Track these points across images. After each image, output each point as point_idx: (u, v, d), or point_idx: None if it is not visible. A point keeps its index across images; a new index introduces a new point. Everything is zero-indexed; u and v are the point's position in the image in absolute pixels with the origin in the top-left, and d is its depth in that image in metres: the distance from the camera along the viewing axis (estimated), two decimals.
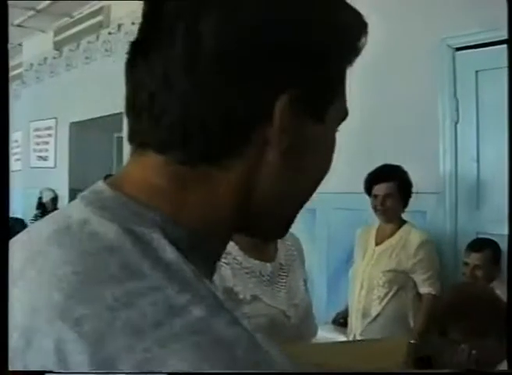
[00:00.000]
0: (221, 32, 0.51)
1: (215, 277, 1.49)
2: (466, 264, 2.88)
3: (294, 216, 0.62)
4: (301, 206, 0.61)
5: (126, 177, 0.56)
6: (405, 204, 3.04)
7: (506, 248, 2.62)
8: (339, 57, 0.57)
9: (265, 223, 0.59)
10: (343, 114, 0.60)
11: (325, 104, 0.56)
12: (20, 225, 2.51)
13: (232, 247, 1.50)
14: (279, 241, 1.63)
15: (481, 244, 2.90)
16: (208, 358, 0.42)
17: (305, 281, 1.66)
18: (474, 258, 2.85)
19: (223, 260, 1.47)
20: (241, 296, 1.46)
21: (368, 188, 3.07)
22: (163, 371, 0.41)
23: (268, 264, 1.56)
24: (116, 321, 0.43)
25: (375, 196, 3.03)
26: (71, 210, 0.54)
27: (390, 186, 2.99)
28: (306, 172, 0.57)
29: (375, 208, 3.05)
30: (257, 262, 1.53)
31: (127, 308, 0.44)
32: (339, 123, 0.60)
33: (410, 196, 3.02)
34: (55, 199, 6.07)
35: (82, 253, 0.48)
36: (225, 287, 1.44)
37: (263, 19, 0.52)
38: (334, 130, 0.60)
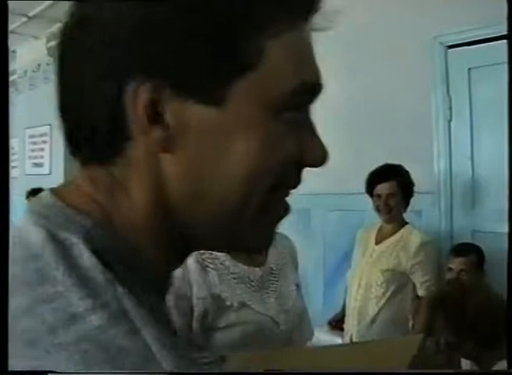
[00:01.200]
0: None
1: (203, 282, 1.47)
2: (450, 269, 2.85)
3: (253, 223, 0.53)
4: (252, 208, 0.52)
5: (69, 183, 0.56)
6: (406, 204, 3.03)
7: (507, 246, 2.60)
8: (219, 31, 0.49)
9: (212, 233, 0.54)
10: (286, 90, 0.50)
11: (211, 86, 0.49)
12: None
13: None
14: None
15: (465, 249, 2.87)
16: (92, 367, 0.41)
17: (298, 286, 1.62)
18: (460, 263, 2.82)
19: (210, 265, 1.45)
20: (228, 303, 1.43)
21: (370, 188, 3.04)
22: (162, 371, 0.42)
23: (258, 269, 1.53)
24: (16, 329, 0.43)
25: (378, 196, 2.99)
26: (19, 219, 0.54)
27: (392, 185, 2.96)
28: (218, 163, 0.50)
29: (377, 208, 3.03)
30: (245, 267, 1.50)
31: (28, 315, 0.44)
32: (285, 103, 0.51)
33: (411, 196, 3.01)
34: None
35: (12, 261, 0.48)
36: (212, 293, 1.42)
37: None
38: (267, 112, 0.50)
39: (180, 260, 0.58)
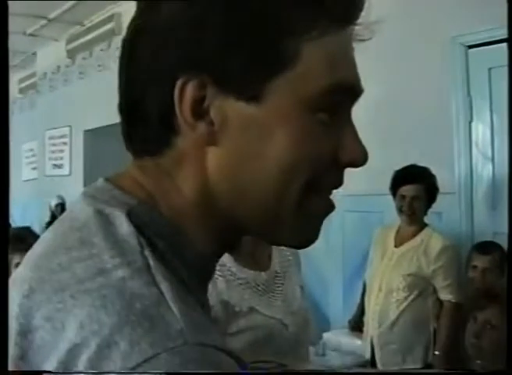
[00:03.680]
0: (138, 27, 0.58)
1: (211, 290, 1.50)
2: (474, 267, 2.83)
3: (290, 214, 0.56)
4: (290, 201, 0.55)
5: (122, 171, 0.61)
6: (428, 207, 3.01)
7: (507, 246, 2.60)
8: (260, 33, 0.52)
9: (253, 222, 0.57)
10: (319, 89, 0.53)
11: (251, 83, 0.53)
12: (29, 233, 2.51)
13: (226, 258, 1.48)
14: (273, 246, 1.61)
15: (490, 247, 2.84)
16: (106, 306, 0.46)
17: (302, 287, 1.64)
18: (485, 260, 2.80)
19: (218, 273, 1.45)
20: (237, 309, 1.44)
21: (395, 188, 3.01)
22: (160, 371, 0.44)
23: (263, 273, 1.54)
24: (50, 281, 0.51)
25: (403, 197, 2.97)
26: (73, 201, 0.62)
27: (419, 188, 2.94)
28: (257, 157, 0.54)
29: (399, 209, 3.00)
30: (251, 271, 1.52)
31: (63, 271, 0.50)
32: (321, 99, 0.54)
33: (435, 200, 2.99)
34: (58, 205, 6.06)
35: (57, 233, 0.56)
36: (221, 300, 1.42)
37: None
38: (302, 110, 0.54)
39: (228, 245, 0.62)
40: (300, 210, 0.56)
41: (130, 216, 0.53)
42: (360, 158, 0.58)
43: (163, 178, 0.57)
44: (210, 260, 0.60)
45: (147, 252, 0.51)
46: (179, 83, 0.52)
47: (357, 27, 0.58)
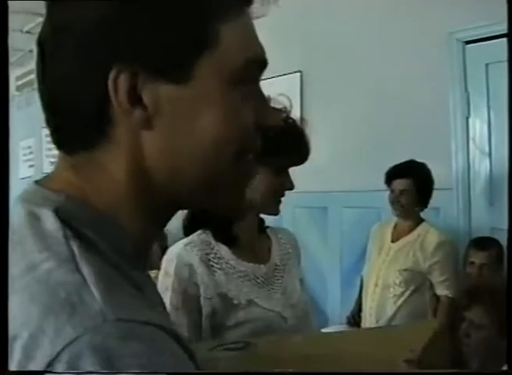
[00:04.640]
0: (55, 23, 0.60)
1: (210, 283, 1.49)
2: (472, 263, 2.84)
3: (222, 182, 0.62)
4: (223, 172, 0.61)
5: (53, 173, 0.64)
6: (424, 202, 3.01)
7: (507, 244, 2.60)
8: (182, 19, 0.56)
9: (189, 196, 0.62)
10: (238, 65, 0.59)
11: (177, 66, 0.57)
12: None
13: (225, 251, 1.49)
14: (273, 239, 1.61)
15: (487, 243, 2.85)
16: (34, 301, 0.49)
17: (301, 280, 1.64)
18: (482, 256, 2.81)
19: (216, 265, 1.46)
20: (236, 301, 1.44)
21: (388, 182, 3.06)
22: (160, 372, 0.45)
23: (262, 265, 1.54)
24: None
25: (392, 191, 3.03)
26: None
27: (407, 182, 2.97)
28: (190, 135, 0.58)
29: (391, 203, 3.05)
30: (250, 264, 1.51)
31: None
32: (241, 74, 0.59)
33: (430, 194, 3.00)
34: None
35: None
36: (219, 292, 1.43)
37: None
38: (225, 86, 0.58)
39: (161, 224, 0.66)
40: (233, 179, 0.62)
41: (58, 211, 0.57)
42: (271, 120, 0.65)
43: (95, 173, 0.60)
44: (144, 241, 0.64)
45: (72, 242, 0.54)
46: (111, 74, 0.55)
47: (253, 6, 0.63)
